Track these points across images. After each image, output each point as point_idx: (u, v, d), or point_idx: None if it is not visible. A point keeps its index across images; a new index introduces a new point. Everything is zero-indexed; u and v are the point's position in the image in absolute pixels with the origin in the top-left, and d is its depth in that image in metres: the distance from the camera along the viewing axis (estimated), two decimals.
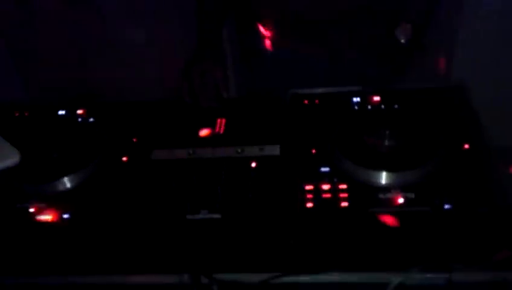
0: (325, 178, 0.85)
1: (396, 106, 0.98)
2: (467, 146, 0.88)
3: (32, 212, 0.87)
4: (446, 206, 0.79)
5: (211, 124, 1.01)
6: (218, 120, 1.01)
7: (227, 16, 1.19)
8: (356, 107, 1.00)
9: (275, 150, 0.93)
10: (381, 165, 0.84)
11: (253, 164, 0.90)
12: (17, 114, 1.10)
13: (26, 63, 1.60)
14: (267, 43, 1.17)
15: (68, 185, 0.91)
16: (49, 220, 0.85)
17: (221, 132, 0.99)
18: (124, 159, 0.95)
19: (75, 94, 1.51)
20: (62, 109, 1.09)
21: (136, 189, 0.89)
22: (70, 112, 1.08)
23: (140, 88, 1.54)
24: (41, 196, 0.89)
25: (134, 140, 0.99)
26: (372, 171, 0.84)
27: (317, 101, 1.03)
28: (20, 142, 0.96)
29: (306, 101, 1.03)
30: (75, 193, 0.90)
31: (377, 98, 1.01)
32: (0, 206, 0.88)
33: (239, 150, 0.93)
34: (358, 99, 1.01)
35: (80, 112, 1.08)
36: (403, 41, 1.08)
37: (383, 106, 0.99)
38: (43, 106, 1.11)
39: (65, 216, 0.85)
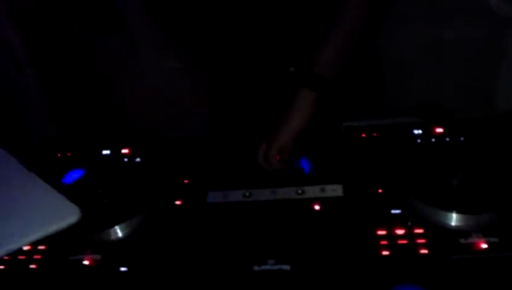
0: (398, 221, 0.80)
1: (462, 138, 0.93)
2: None
3: (86, 265, 0.82)
4: None
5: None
6: None
7: None
8: (419, 140, 0.94)
9: (337, 190, 0.88)
10: (459, 206, 0.79)
11: (317, 207, 0.85)
12: (59, 155, 1.06)
13: (56, 93, 1.56)
14: None
15: (122, 233, 0.86)
16: (105, 272, 0.81)
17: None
18: (178, 203, 0.91)
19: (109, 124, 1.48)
20: (106, 148, 1.05)
21: (195, 236, 0.84)
22: (115, 152, 1.04)
23: (174, 118, 1.50)
24: (94, 246, 0.84)
25: (186, 181, 0.95)
26: (449, 213, 0.78)
27: (375, 134, 0.97)
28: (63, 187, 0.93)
29: (364, 135, 0.98)
30: (130, 242, 0.85)
31: (439, 130, 0.95)
32: (52, 259, 0.84)
33: (299, 191, 0.88)
34: (419, 131, 0.96)
35: (125, 151, 1.04)
36: None
37: (447, 139, 0.94)
38: (85, 144, 1.07)
39: (122, 269, 0.81)
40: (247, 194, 0.90)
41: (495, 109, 1.44)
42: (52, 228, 0.72)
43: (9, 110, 1.46)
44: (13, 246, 0.71)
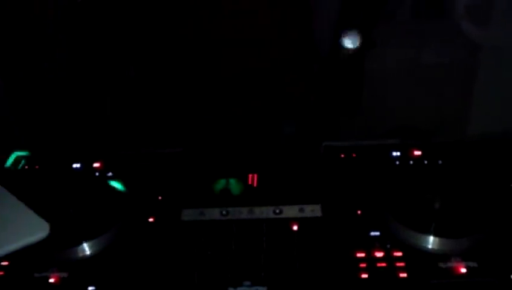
0: (377, 244, 0.79)
1: (440, 161, 0.93)
2: None
3: (52, 283, 0.78)
4: None
5: (243, 179, 0.94)
6: (250, 175, 0.95)
7: None
8: (397, 162, 0.94)
9: (316, 210, 0.86)
10: (438, 229, 0.78)
11: (295, 227, 0.83)
12: (26, 167, 1.02)
13: (24, 105, 1.51)
14: None
15: (90, 250, 0.82)
16: None
17: (255, 187, 0.92)
18: (151, 219, 0.87)
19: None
20: (76, 162, 1.01)
21: (168, 255, 0.81)
22: (86, 165, 1.00)
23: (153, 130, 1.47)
24: (61, 263, 0.80)
25: (159, 198, 0.92)
26: (429, 237, 0.77)
27: (354, 154, 0.97)
28: (32, 202, 0.88)
29: (343, 155, 0.97)
30: (99, 260, 0.81)
31: (417, 153, 0.95)
32: (16, 276, 0.79)
33: (277, 211, 0.87)
34: (398, 153, 0.96)
35: (96, 165, 1.00)
36: (351, 47, 0.96)
37: (425, 161, 0.94)
38: (54, 157, 1.03)
39: (90, 288, 0.77)
40: (223, 212, 0.87)
41: (467, 133, 1.46)
42: (21, 243, 0.69)
43: None
44: None
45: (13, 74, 1.43)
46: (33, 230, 0.70)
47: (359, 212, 0.85)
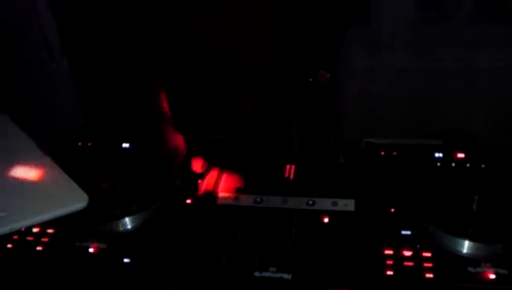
0: (407, 243, 0.78)
1: (483, 165, 0.91)
2: None
3: (91, 253, 0.83)
4: None
5: (280, 170, 0.95)
6: (288, 166, 0.96)
7: None
8: (439, 164, 0.92)
9: (349, 205, 0.86)
10: (472, 233, 0.76)
11: (326, 219, 0.84)
12: (80, 144, 1.08)
13: (86, 84, 1.58)
14: None
15: (129, 225, 0.87)
16: (108, 262, 0.81)
17: (291, 178, 0.94)
18: (188, 201, 0.91)
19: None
20: (125, 142, 1.06)
21: (201, 236, 0.84)
22: (134, 145, 1.05)
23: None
24: (101, 235, 0.85)
25: (200, 181, 0.95)
26: (461, 240, 0.76)
27: (395, 152, 0.96)
28: (81, 175, 0.94)
29: (383, 152, 0.96)
30: (137, 235, 0.85)
31: (461, 155, 0.93)
32: (58, 243, 0.85)
33: (310, 202, 0.87)
34: (440, 154, 0.94)
35: (145, 145, 1.04)
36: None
37: (468, 164, 0.91)
38: (105, 136, 1.09)
39: (125, 260, 0.81)
40: (258, 199, 0.89)
41: None
42: (60, 211, 0.74)
43: (41, 96, 1.50)
44: (19, 225, 0.72)
45: (79, 54, 1.51)
46: (72, 200, 0.75)
47: (393, 210, 0.84)
